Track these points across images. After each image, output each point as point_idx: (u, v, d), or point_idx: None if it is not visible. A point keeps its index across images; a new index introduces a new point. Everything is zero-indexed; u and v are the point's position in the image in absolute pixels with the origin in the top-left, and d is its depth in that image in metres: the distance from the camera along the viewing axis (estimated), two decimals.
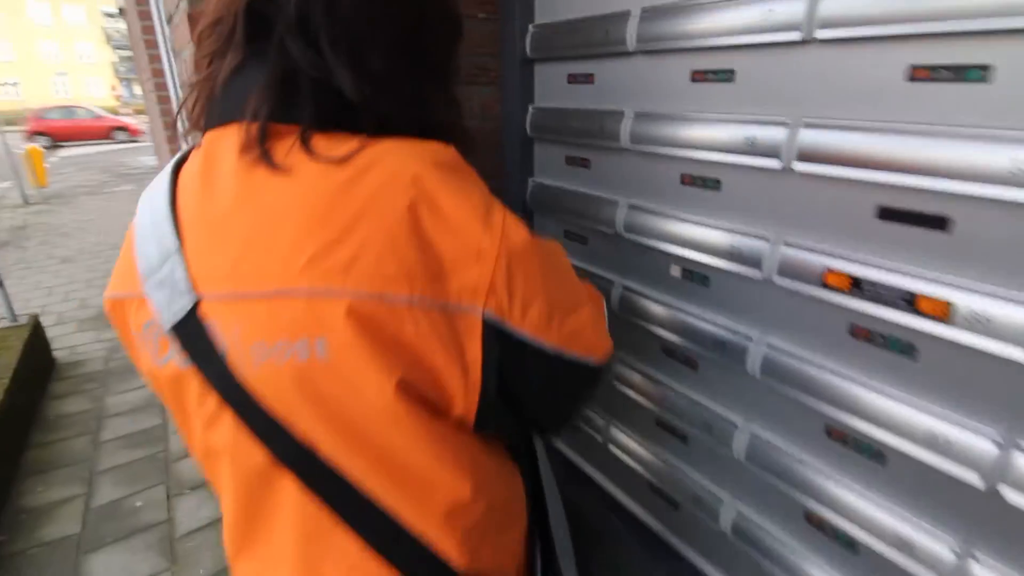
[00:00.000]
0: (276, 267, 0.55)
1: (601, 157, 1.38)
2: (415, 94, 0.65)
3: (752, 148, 0.99)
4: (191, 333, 0.58)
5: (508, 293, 0.57)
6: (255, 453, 0.60)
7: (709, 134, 1.06)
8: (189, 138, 0.68)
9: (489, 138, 1.60)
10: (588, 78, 1.34)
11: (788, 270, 0.98)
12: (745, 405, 1.15)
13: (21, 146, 9.90)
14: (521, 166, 1.58)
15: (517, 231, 0.58)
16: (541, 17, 1.44)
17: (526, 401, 0.66)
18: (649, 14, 1.13)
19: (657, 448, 1.39)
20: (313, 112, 0.59)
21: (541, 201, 1.57)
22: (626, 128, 1.23)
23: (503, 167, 1.63)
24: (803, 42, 0.90)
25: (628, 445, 1.47)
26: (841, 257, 0.91)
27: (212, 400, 0.60)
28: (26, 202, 9.93)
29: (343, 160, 0.56)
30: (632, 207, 1.28)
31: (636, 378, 1.39)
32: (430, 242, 0.54)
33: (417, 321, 0.55)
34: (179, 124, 0.67)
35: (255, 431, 0.59)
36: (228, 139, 0.61)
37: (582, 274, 1.45)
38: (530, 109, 1.51)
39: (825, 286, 0.92)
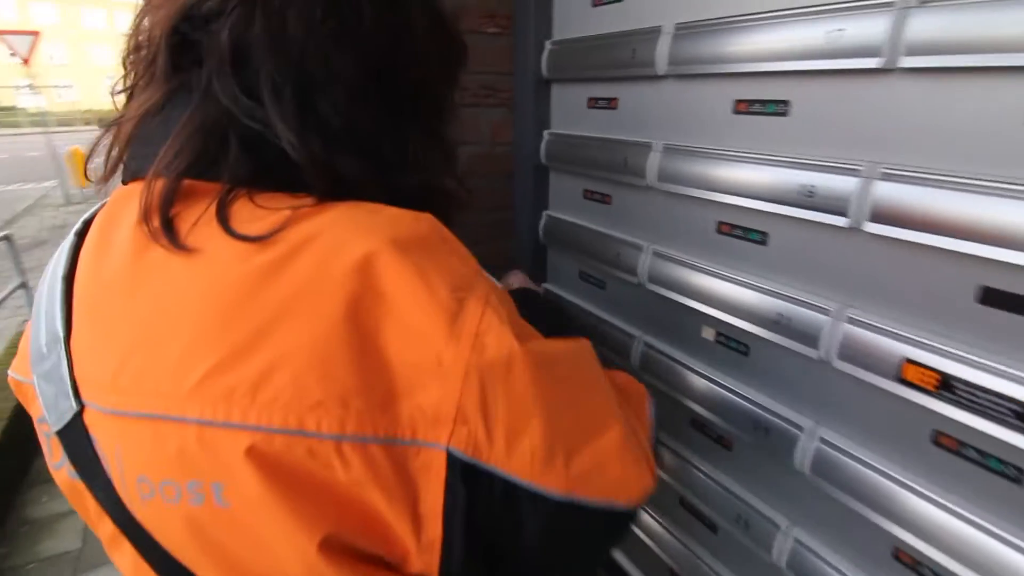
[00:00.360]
0: (162, 383, 0.43)
1: (624, 194, 1.19)
2: (387, 150, 0.52)
3: (810, 200, 0.80)
4: (77, 444, 0.47)
5: (484, 421, 0.42)
6: None
7: (755, 177, 0.87)
8: (103, 191, 0.56)
9: (499, 165, 1.43)
10: (610, 103, 1.16)
11: (853, 353, 0.78)
12: (789, 504, 0.95)
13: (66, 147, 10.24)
14: (534, 198, 1.41)
15: (498, 337, 0.43)
16: (560, 32, 1.27)
17: (523, 558, 0.50)
18: (685, 31, 0.95)
19: (681, 532, 1.19)
20: (246, 168, 0.47)
21: (555, 237, 1.39)
22: (654, 163, 1.04)
23: (513, 198, 1.46)
24: (883, 71, 0.71)
25: (647, 522, 1.27)
26: (926, 347, 0.70)
27: (108, 524, 0.50)
28: (68, 201, 10.25)
29: (266, 239, 0.43)
30: (658, 254, 1.09)
31: (660, 448, 1.19)
32: (376, 352, 0.41)
33: (348, 463, 0.41)
34: (89, 174, 0.55)
35: (155, 570, 0.48)
36: (133, 199, 0.48)
37: (603, 337, 1.28)
38: (545, 135, 1.34)
39: (903, 381, 0.72)
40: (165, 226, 0.45)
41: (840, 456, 0.83)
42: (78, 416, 0.47)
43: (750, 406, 0.96)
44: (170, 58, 0.49)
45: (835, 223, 0.77)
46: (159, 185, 0.46)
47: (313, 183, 0.47)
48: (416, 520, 0.43)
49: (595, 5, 1.14)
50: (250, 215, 0.45)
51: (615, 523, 0.53)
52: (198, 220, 0.45)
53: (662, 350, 1.13)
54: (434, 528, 0.43)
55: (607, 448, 0.49)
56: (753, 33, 0.84)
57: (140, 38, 0.51)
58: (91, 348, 0.47)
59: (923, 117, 0.69)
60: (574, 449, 0.46)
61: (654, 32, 0.99)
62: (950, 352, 0.68)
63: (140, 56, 0.51)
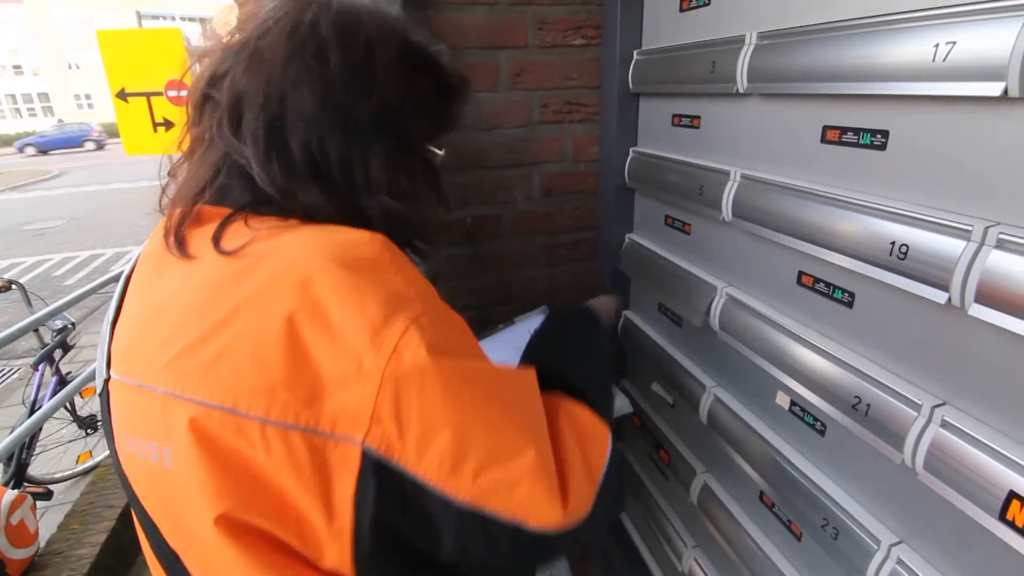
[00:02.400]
0: (150, 358, 0.52)
1: (702, 225, 1.05)
2: (352, 177, 0.58)
3: (902, 262, 0.62)
4: (104, 407, 0.59)
5: (397, 424, 0.47)
6: (144, 542, 0.58)
7: (840, 224, 0.70)
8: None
9: (581, 183, 1.35)
10: (693, 121, 1.02)
11: (943, 468, 0.59)
12: None
13: None
14: (617, 219, 1.30)
15: (415, 351, 0.47)
16: (649, 41, 1.15)
17: (449, 566, 0.54)
18: (768, 42, 0.80)
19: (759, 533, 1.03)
20: (246, 197, 0.56)
21: (635, 264, 1.28)
22: (729, 195, 0.90)
23: (596, 218, 1.37)
24: (1007, 100, 0.52)
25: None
26: None
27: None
28: None
29: (235, 253, 0.52)
30: (731, 299, 0.94)
31: (724, 518, 1.05)
32: (307, 355, 0.47)
33: (269, 445, 0.46)
34: (162, 209, 0.65)
35: (139, 521, 0.57)
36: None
37: (674, 379, 1.16)
38: (630, 153, 1.23)
39: (1006, 521, 0.53)
40: (178, 241, 0.56)
41: None
42: (106, 383, 0.57)
43: (821, 498, 0.79)
44: (197, 113, 0.60)
45: (931, 297, 0.59)
46: (177, 212, 0.57)
47: (289, 210, 0.55)
48: (328, 508, 0.47)
49: (683, 10, 1.01)
50: (238, 234, 0.53)
51: (525, 544, 0.53)
52: (202, 236, 0.55)
53: (732, 408, 0.98)
54: (344, 516, 0.47)
55: (518, 470, 0.51)
56: (844, 46, 0.67)
57: (187, 96, 0.62)
58: (121, 329, 0.58)
59: None
60: (484, 464, 0.49)
61: (735, 43, 0.85)
62: None
63: (188, 109, 0.62)
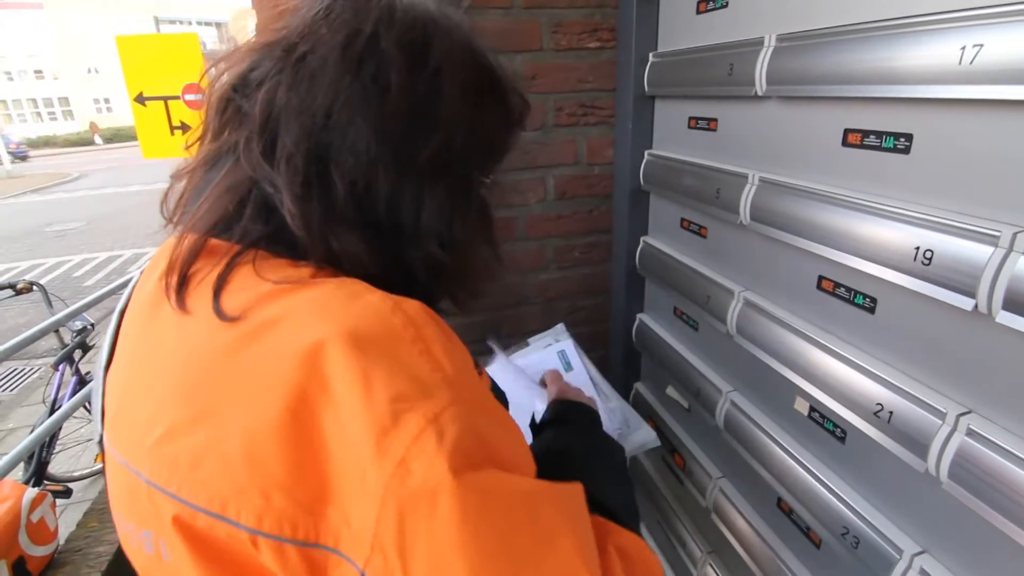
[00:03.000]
0: (135, 435, 0.45)
1: (719, 229, 1.04)
2: (399, 222, 0.49)
3: (927, 268, 0.61)
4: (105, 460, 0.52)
5: (401, 558, 0.36)
6: None
7: (862, 229, 0.69)
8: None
9: (596, 187, 1.34)
10: (710, 124, 1.02)
11: (968, 477, 0.58)
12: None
13: None
14: (631, 222, 1.30)
15: (429, 464, 0.36)
16: (665, 44, 1.14)
17: None
18: (787, 45, 0.79)
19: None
20: (257, 232, 0.47)
21: (650, 268, 1.27)
22: (747, 199, 0.89)
23: (610, 221, 1.37)
24: None
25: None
26: None
27: None
28: None
29: (235, 320, 0.43)
30: (749, 304, 0.94)
31: (740, 523, 1.03)
32: (313, 448, 0.38)
33: (263, 554, 0.39)
34: (164, 215, 0.56)
35: None
36: (168, 250, 0.50)
37: (690, 383, 1.15)
38: (645, 156, 1.22)
39: None
40: (180, 284, 0.46)
41: None
42: (101, 439, 0.51)
43: (841, 506, 0.78)
44: (220, 121, 0.51)
45: (957, 303, 0.58)
46: (187, 242, 0.47)
47: (310, 253, 0.47)
48: None
49: (700, 12, 1.00)
50: (243, 284, 0.45)
51: None
52: (202, 281, 0.46)
53: (749, 414, 0.97)
54: None
55: None
56: (866, 48, 0.66)
57: (205, 99, 0.53)
58: (111, 384, 0.51)
59: None
60: None
61: (753, 45, 0.84)
62: None
63: (204, 114, 0.54)
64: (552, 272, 1.39)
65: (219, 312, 0.43)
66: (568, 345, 1.16)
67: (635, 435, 1.05)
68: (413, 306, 0.44)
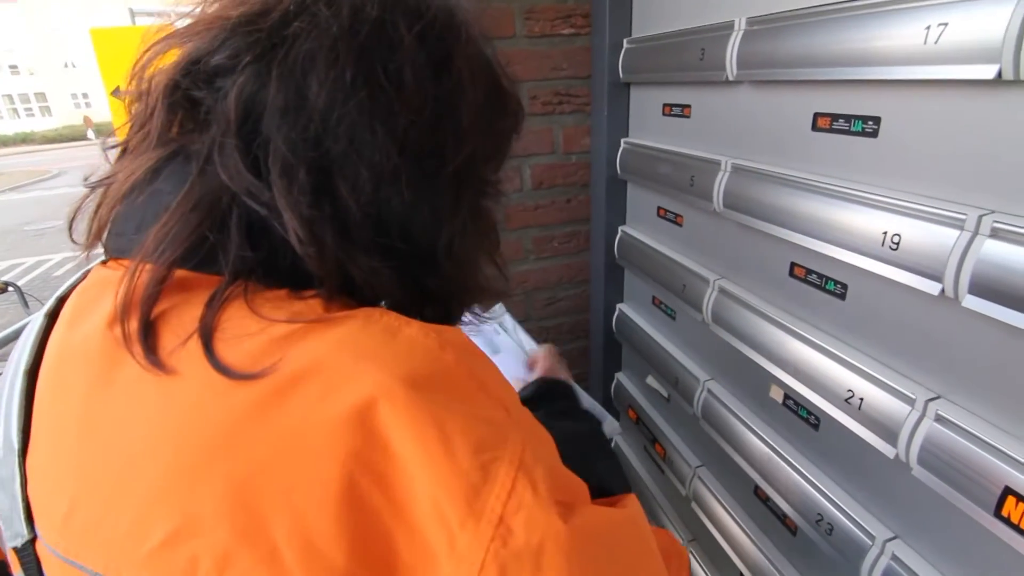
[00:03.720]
0: (116, 540, 0.35)
1: (694, 217, 1.03)
2: (416, 242, 0.42)
3: (895, 253, 0.60)
4: (31, 572, 0.41)
5: None
6: None
7: (832, 214, 0.68)
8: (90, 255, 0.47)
9: (572, 175, 1.33)
10: (684, 111, 1.00)
11: (937, 463, 0.58)
12: None
13: None
14: (609, 211, 1.29)
15: (529, 518, 0.33)
16: (640, 30, 1.12)
17: None
18: (757, 28, 0.77)
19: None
20: (247, 261, 0.38)
21: (629, 257, 1.26)
22: (720, 186, 0.88)
23: (588, 211, 1.35)
24: (1002, 83, 0.50)
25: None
26: None
27: None
28: None
29: (251, 376, 0.34)
30: (724, 292, 0.93)
31: (719, 511, 1.03)
32: (378, 523, 0.32)
33: None
34: (74, 237, 0.46)
35: None
36: (111, 287, 0.38)
37: (669, 372, 1.14)
38: (622, 144, 1.21)
39: (1000, 517, 0.52)
40: (143, 331, 0.36)
41: None
42: (30, 544, 0.40)
43: (815, 493, 0.78)
44: (168, 117, 0.40)
45: (924, 288, 0.57)
46: (144, 276, 0.37)
47: (321, 282, 0.39)
48: None
49: None
50: (241, 327, 0.36)
51: None
52: (181, 328, 0.36)
53: (726, 403, 0.97)
54: None
55: None
56: (834, 29, 0.65)
57: (143, 85, 0.42)
58: (45, 472, 0.39)
59: None
60: None
61: (724, 29, 0.83)
62: None
63: (137, 111, 0.43)
64: (531, 263, 1.37)
65: (221, 368, 0.34)
66: (490, 329, 1.12)
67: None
68: (457, 336, 0.38)
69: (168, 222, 0.37)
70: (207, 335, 0.35)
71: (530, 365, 0.96)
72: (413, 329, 0.37)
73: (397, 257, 0.41)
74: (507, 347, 1.05)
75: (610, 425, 1.02)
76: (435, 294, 0.45)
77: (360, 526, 0.31)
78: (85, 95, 35.23)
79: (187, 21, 0.42)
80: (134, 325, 0.36)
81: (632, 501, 0.44)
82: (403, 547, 0.32)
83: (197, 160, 0.38)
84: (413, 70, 0.39)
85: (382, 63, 0.38)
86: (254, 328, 0.35)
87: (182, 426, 0.34)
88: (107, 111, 4.40)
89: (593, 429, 0.76)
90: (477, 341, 1.11)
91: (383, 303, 0.43)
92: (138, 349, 0.35)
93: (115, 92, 4.26)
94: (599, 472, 0.57)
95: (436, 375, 0.35)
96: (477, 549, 0.31)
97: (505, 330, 1.10)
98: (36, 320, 0.46)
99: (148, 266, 0.37)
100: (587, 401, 1.04)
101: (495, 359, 0.98)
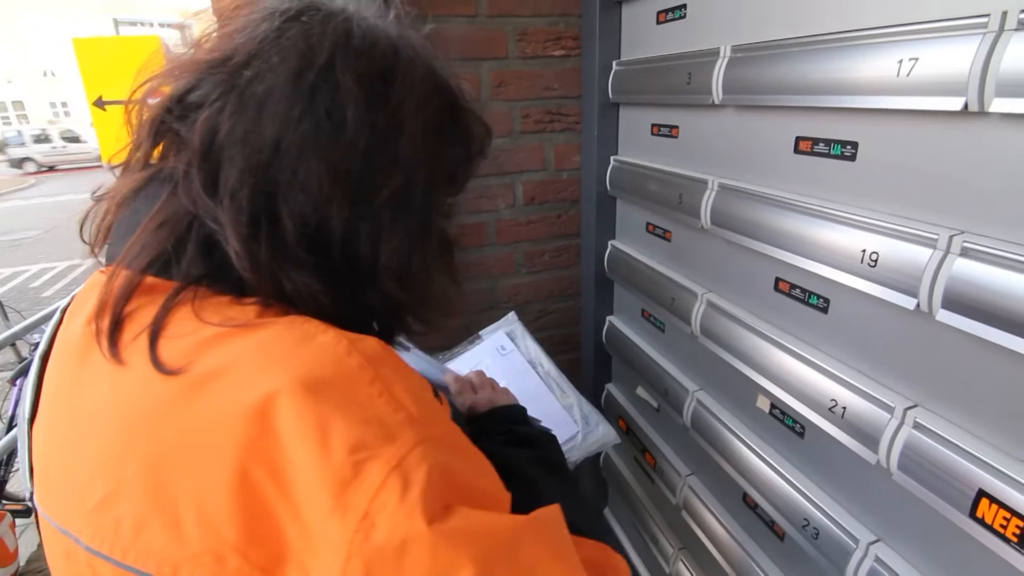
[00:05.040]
0: (71, 499, 0.42)
1: (683, 233, 1.07)
2: (355, 260, 0.46)
3: (873, 270, 0.64)
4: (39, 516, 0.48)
5: None
6: None
7: (813, 232, 0.72)
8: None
9: (564, 192, 1.36)
10: (671, 131, 1.04)
11: (916, 468, 0.61)
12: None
13: None
14: (599, 226, 1.32)
15: (394, 516, 0.35)
16: (628, 52, 1.17)
17: None
18: (741, 55, 0.82)
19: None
20: (199, 270, 0.44)
21: (618, 271, 1.29)
22: (707, 204, 0.92)
23: (579, 226, 1.39)
24: (968, 114, 0.54)
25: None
26: (1010, 481, 0.53)
27: None
28: None
29: (175, 372, 0.40)
30: (712, 305, 0.96)
31: (708, 519, 1.06)
32: (266, 509, 0.36)
33: None
34: (81, 237, 0.52)
35: None
36: (98, 288, 0.46)
37: (659, 383, 1.16)
38: (611, 162, 1.25)
39: (975, 518, 0.55)
40: (112, 328, 0.42)
41: None
42: (32, 496, 0.47)
43: (801, 499, 0.81)
44: (152, 144, 0.47)
45: (901, 303, 0.61)
46: (119, 280, 0.43)
47: (257, 293, 0.44)
48: None
49: (659, 22, 1.03)
50: (182, 328, 0.41)
51: None
52: (139, 326, 0.42)
53: (715, 413, 1.00)
54: None
55: None
56: (815, 60, 0.69)
57: (134, 120, 0.49)
58: (37, 439, 0.47)
59: (1021, 178, 0.51)
60: None
61: (710, 56, 0.87)
62: None
63: (134, 136, 0.49)
64: (522, 276, 1.40)
65: (157, 363, 0.40)
66: (500, 337, 1.14)
67: (594, 432, 1.05)
68: (370, 344, 0.42)
69: (140, 235, 0.44)
70: (154, 333, 0.41)
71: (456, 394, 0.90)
72: (327, 337, 0.41)
73: (332, 274, 0.45)
74: (514, 360, 1.08)
75: (605, 430, 1.05)
76: (382, 309, 0.49)
77: (252, 508, 0.36)
78: (64, 104, 34.71)
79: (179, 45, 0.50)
80: (106, 322, 0.42)
81: (548, 510, 0.44)
82: (291, 531, 0.36)
83: (168, 183, 0.45)
84: (352, 108, 0.44)
85: (324, 103, 0.43)
86: (190, 329, 0.41)
87: (120, 409, 0.40)
88: (87, 120, 4.36)
89: (537, 456, 0.71)
90: (487, 347, 1.09)
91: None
92: (104, 342, 0.42)
93: (97, 102, 4.23)
94: (542, 497, 0.57)
95: (334, 379, 0.39)
96: (342, 541, 0.34)
97: (514, 338, 1.13)
98: (55, 316, 0.54)
99: (123, 272, 0.44)
100: (586, 407, 1.06)
101: (498, 366, 0.97)
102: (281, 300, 0.44)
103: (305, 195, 0.43)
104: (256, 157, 0.42)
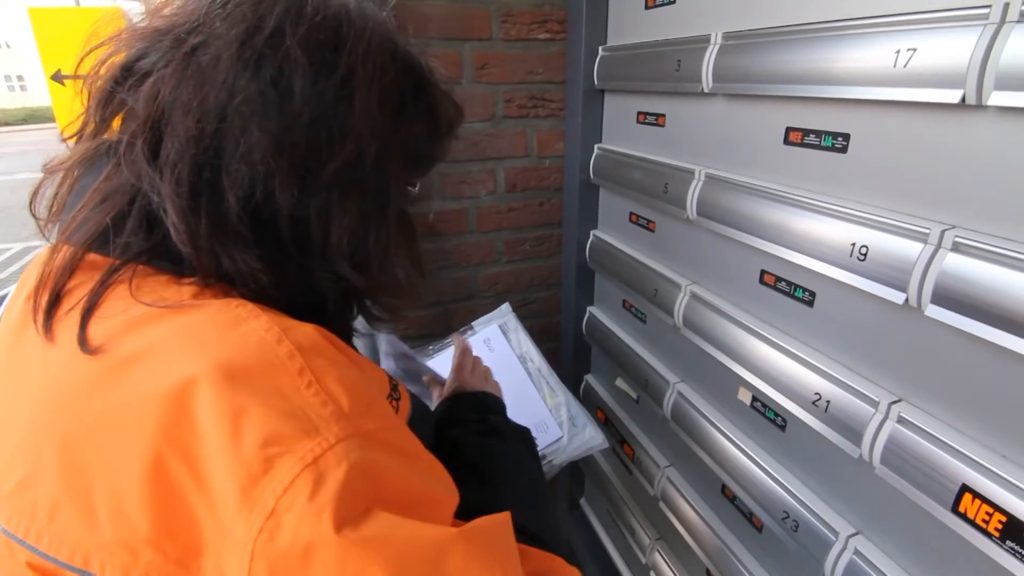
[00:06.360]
0: None
1: (667, 223, 1.06)
2: (301, 239, 0.44)
3: (862, 264, 0.63)
4: None
5: None
6: None
7: (802, 225, 0.71)
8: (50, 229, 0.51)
9: (546, 179, 1.34)
10: (658, 119, 1.03)
11: (899, 462, 0.61)
12: None
13: None
14: (581, 215, 1.30)
15: (300, 518, 0.33)
16: (614, 38, 1.14)
17: None
18: (733, 43, 0.80)
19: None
20: (138, 246, 0.42)
21: (600, 261, 1.28)
22: (693, 194, 0.90)
23: (561, 215, 1.37)
24: (965, 107, 0.53)
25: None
26: (992, 475, 0.53)
27: None
28: None
29: (97, 351, 0.38)
30: (696, 297, 0.95)
31: (686, 510, 1.06)
32: (181, 501, 0.35)
33: None
34: (36, 214, 0.49)
35: None
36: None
37: (639, 375, 1.15)
38: (595, 150, 1.23)
39: (958, 513, 0.55)
40: (50, 303, 0.41)
41: None
42: None
43: (781, 491, 0.81)
44: (101, 115, 0.45)
45: (890, 297, 0.60)
46: (61, 255, 0.42)
47: (197, 271, 0.42)
48: None
49: (648, 7, 1.01)
50: (114, 308, 0.40)
51: None
52: (73, 302, 0.41)
53: (695, 404, 0.99)
54: None
55: None
56: (808, 48, 0.68)
57: (86, 90, 0.47)
58: None
59: (1019, 173, 0.51)
60: None
61: (701, 42, 0.85)
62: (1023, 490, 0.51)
63: (87, 107, 0.47)
64: (502, 265, 1.38)
65: (81, 342, 0.38)
66: (492, 330, 1.11)
67: (580, 435, 1.03)
68: (305, 332, 0.40)
69: (83, 209, 0.43)
70: (87, 311, 0.40)
71: (426, 384, 0.89)
72: (259, 322, 0.39)
73: (278, 253, 0.43)
74: (503, 354, 1.05)
75: (592, 434, 1.03)
76: (328, 292, 0.47)
77: (165, 498, 0.34)
78: (20, 77, 33.11)
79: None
80: (44, 298, 0.41)
81: (491, 519, 0.42)
82: (206, 525, 0.34)
83: (114, 154, 0.43)
84: (299, 77, 0.42)
85: (269, 70, 0.41)
86: (120, 308, 0.40)
87: (43, 388, 0.39)
88: (46, 95, 4.16)
89: (498, 447, 0.68)
90: (476, 340, 1.07)
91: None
92: (40, 318, 0.41)
93: (55, 76, 4.03)
94: (498, 492, 0.58)
95: (258, 367, 0.37)
96: (247, 539, 0.33)
97: (506, 331, 1.10)
98: (10, 293, 0.52)
99: (65, 247, 0.42)
100: (575, 408, 1.04)
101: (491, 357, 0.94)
102: (222, 280, 0.43)
103: (248, 167, 0.41)
104: (198, 127, 0.40)
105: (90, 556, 0.35)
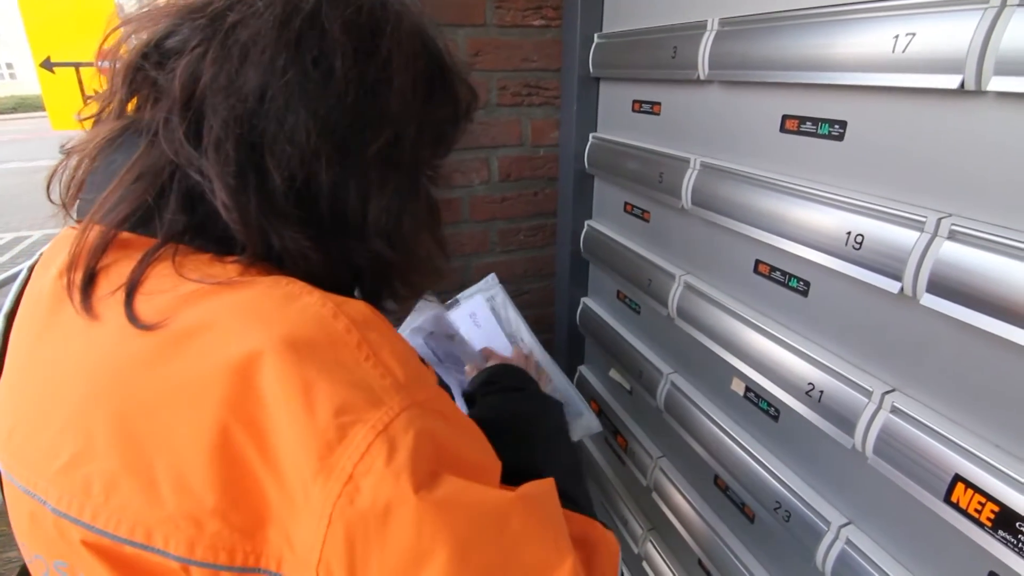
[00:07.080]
0: (38, 459, 0.40)
1: (662, 213, 1.05)
2: (342, 216, 0.46)
3: (857, 252, 0.63)
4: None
5: None
6: None
7: (797, 214, 0.71)
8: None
9: (540, 168, 1.33)
10: (653, 108, 1.02)
11: (892, 452, 0.61)
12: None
13: None
14: (576, 205, 1.29)
15: (378, 481, 0.34)
16: (610, 24, 1.13)
17: None
18: (729, 28, 0.79)
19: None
20: (181, 224, 0.42)
21: (595, 251, 1.27)
22: (688, 183, 0.89)
23: (555, 204, 1.36)
24: (964, 93, 0.53)
25: (664, 574, 1.15)
26: (985, 465, 0.53)
27: None
28: None
29: (153, 327, 0.38)
30: (690, 287, 0.95)
31: (679, 500, 1.06)
32: (249, 466, 0.35)
33: None
34: (52, 198, 0.50)
35: None
36: (69, 243, 0.44)
37: (632, 365, 1.16)
38: (590, 139, 1.21)
39: (951, 503, 0.55)
40: (85, 281, 0.41)
41: (865, 566, 0.67)
42: None
43: (773, 481, 0.81)
44: (127, 94, 0.45)
45: (885, 287, 0.60)
46: (92, 234, 0.42)
47: (246, 247, 0.42)
48: None
49: None
50: (161, 284, 0.40)
51: None
52: (113, 280, 0.41)
53: (688, 395, 0.99)
54: None
55: None
56: (805, 34, 0.67)
57: (110, 64, 0.47)
58: (3, 398, 0.46)
59: (1017, 160, 0.50)
60: None
61: (696, 28, 0.84)
62: (1016, 480, 0.50)
63: (110, 86, 0.47)
64: (496, 255, 1.37)
65: (132, 318, 0.38)
66: (478, 302, 1.07)
67: (576, 421, 1.04)
68: (357, 307, 0.41)
69: (116, 188, 0.42)
70: (131, 288, 0.40)
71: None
72: (313, 298, 0.40)
73: (322, 231, 0.44)
74: (490, 331, 1.03)
75: (588, 419, 1.03)
76: (364, 270, 0.49)
77: (232, 470, 0.35)
78: (10, 65, 32.69)
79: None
80: (79, 276, 0.41)
81: (540, 484, 0.44)
82: (273, 494, 0.35)
83: (147, 133, 0.43)
84: (340, 58, 0.43)
85: (310, 51, 0.42)
86: (171, 286, 0.40)
87: (93, 364, 0.39)
88: (36, 83, 4.10)
89: (537, 413, 0.73)
90: (461, 313, 1.08)
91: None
92: (76, 296, 0.41)
93: (45, 64, 3.97)
94: (537, 457, 0.60)
95: (320, 340, 0.38)
96: (325, 504, 0.34)
97: (494, 306, 1.08)
98: (22, 273, 0.52)
99: (96, 227, 0.42)
100: (564, 390, 1.04)
101: (476, 331, 0.96)
102: (267, 259, 0.43)
103: (292, 147, 0.42)
104: (241, 106, 0.41)
105: (152, 530, 0.35)
